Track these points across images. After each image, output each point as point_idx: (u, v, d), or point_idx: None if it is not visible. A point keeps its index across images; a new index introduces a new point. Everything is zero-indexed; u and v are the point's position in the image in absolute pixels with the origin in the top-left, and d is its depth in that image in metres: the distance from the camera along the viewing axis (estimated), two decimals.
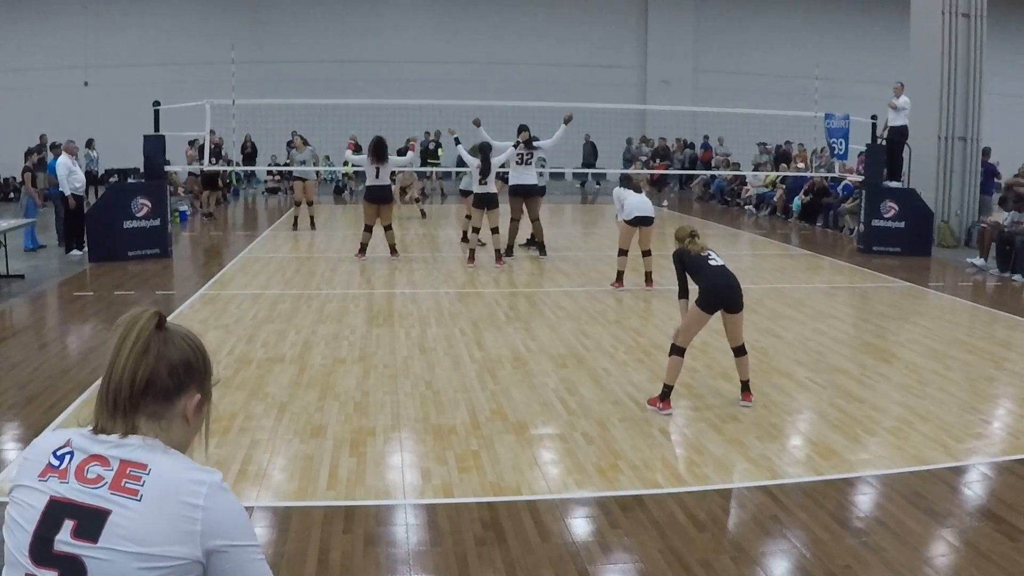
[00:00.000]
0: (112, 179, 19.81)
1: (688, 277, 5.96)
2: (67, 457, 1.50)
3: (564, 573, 3.71)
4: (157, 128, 12.61)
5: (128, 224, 12.00)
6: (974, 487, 4.70)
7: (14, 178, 20.61)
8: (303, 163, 15.72)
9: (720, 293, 5.74)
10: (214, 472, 1.50)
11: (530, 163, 12.20)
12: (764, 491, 4.54)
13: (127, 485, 1.45)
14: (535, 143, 12.20)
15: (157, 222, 12.26)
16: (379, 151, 11.82)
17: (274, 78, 22.83)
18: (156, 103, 12.66)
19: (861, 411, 5.86)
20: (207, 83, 17.77)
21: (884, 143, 14.44)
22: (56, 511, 1.45)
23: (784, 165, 20.50)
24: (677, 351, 5.80)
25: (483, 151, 11.47)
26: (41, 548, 1.45)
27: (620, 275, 10.18)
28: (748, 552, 3.90)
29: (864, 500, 4.53)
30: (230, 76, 14.24)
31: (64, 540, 1.44)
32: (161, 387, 1.54)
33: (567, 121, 12.49)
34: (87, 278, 10.79)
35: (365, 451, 5.06)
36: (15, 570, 1.47)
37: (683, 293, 5.99)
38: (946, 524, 4.18)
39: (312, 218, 15.65)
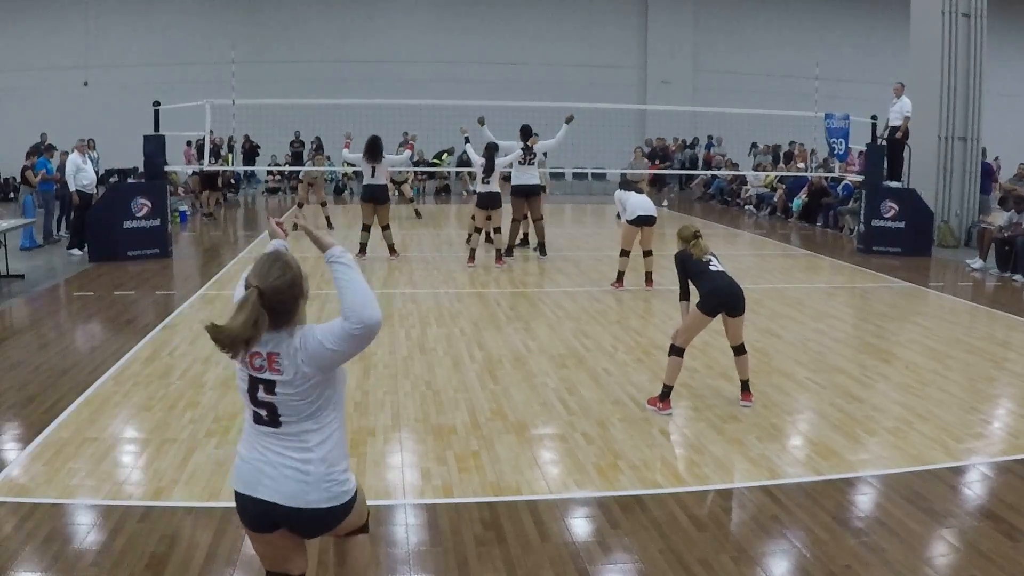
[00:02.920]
0: (112, 179, 19.80)
1: (689, 281, 5.97)
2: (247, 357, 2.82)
3: (564, 573, 3.71)
4: (157, 128, 12.61)
5: (128, 224, 12.00)
6: (974, 487, 4.70)
7: (14, 178, 20.62)
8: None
9: (722, 297, 5.75)
10: (313, 328, 2.82)
11: (533, 163, 12.21)
12: (764, 491, 4.54)
13: (275, 367, 2.75)
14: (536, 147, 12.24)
15: (157, 222, 12.26)
16: (374, 150, 11.82)
17: (274, 78, 22.81)
18: (156, 103, 12.66)
19: (861, 411, 5.86)
20: (207, 83, 17.76)
21: (884, 143, 14.44)
22: (254, 381, 2.82)
23: (782, 165, 20.50)
24: (677, 352, 5.81)
25: (488, 151, 11.48)
26: (252, 398, 2.81)
27: (621, 275, 10.18)
28: (748, 552, 3.90)
29: (864, 500, 4.53)
30: (230, 76, 14.23)
31: (261, 395, 2.78)
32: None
33: (568, 121, 12.50)
34: (87, 278, 10.79)
35: (365, 451, 5.06)
36: (247, 407, 2.85)
37: (684, 295, 6.00)
38: (946, 524, 4.18)
39: (328, 218, 15.67)
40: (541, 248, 12.55)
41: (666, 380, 5.82)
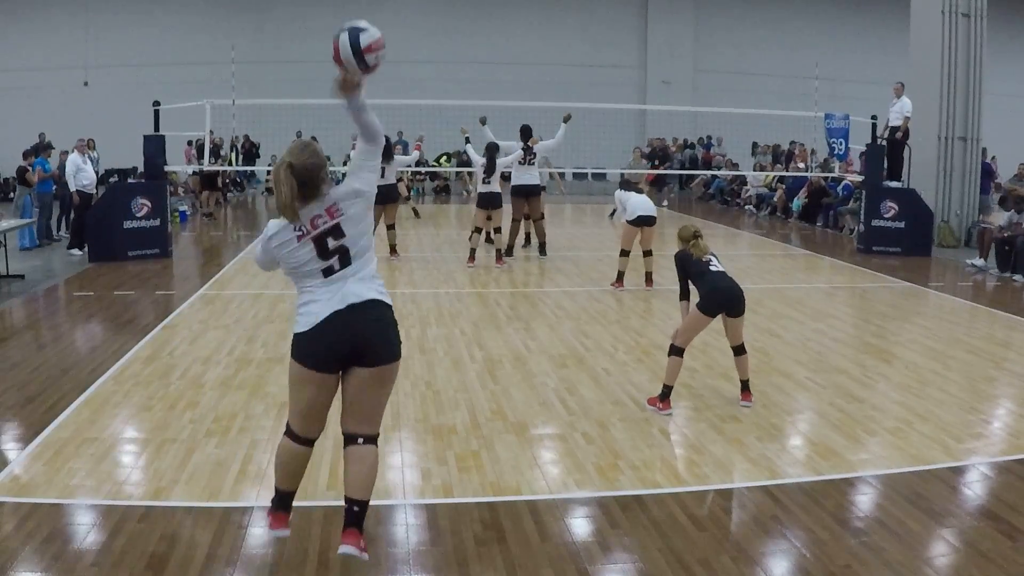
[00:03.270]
0: (112, 179, 19.80)
1: (689, 281, 5.98)
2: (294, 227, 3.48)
3: (564, 573, 3.70)
4: (157, 128, 12.61)
5: (128, 224, 12.01)
6: (974, 487, 4.70)
7: (13, 178, 20.62)
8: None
9: (722, 297, 5.75)
10: (343, 182, 3.60)
11: (533, 163, 12.22)
12: (764, 491, 4.54)
13: (335, 211, 3.48)
14: (536, 148, 12.26)
15: (157, 222, 12.26)
16: (386, 150, 11.82)
17: (274, 78, 22.81)
18: (156, 103, 12.66)
19: (861, 411, 5.86)
20: (207, 83, 17.76)
21: (884, 143, 14.44)
22: (320, 238, 3.45)
23: (779, 165, 20.50)
24: (676, 351, 5.81)
25: (489, 151, 11.49)
26: (323, 252, 3.44)
27: (620, 275, 10.19)
28: (748, 552, 3.90)
29: (864, 500, 4.53)
30: (230, 76, 14.24)
31: (331, 243, 3.44)
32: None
33: (566, 120, 12.51)
34: (87, 278, 10.79)
35: None
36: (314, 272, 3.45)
37: (684, 295, 6.00)
38: (946, 524, 4.18)
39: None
40: (541, 248, 12.56)
41: (666, 380, 5.82)
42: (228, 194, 21.64)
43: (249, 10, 25.24)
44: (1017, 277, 11.21)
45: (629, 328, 8.27)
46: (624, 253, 10.10)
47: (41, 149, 15.05)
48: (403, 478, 4.71)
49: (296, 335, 3.51)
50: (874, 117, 14.29)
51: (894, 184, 14.13)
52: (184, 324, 8.29)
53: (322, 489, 4.51)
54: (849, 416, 5.75)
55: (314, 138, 21.63)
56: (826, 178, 16.89)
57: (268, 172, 23.47)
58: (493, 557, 3.82)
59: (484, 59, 25.41)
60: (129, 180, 17.99)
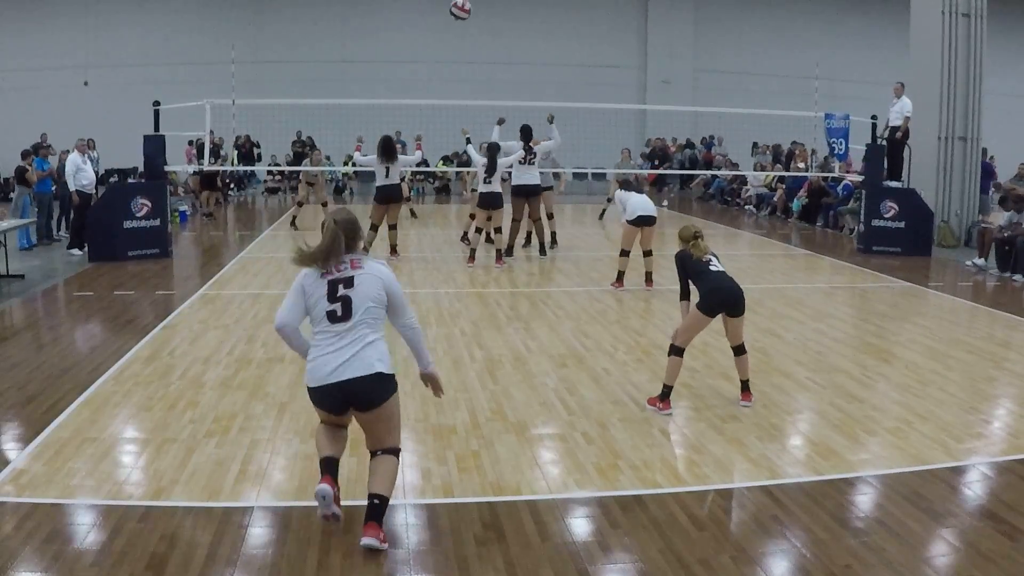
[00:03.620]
0: (112, 179, 19.81)
1: (689, 280, 5.98)
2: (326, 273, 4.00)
3: (564, 573, 3.71)
4: (157, 128, 12.61)
5: (128, 224, 12.00)
6: (974, 487, 4.70)
7: (13, 178, 20.62)
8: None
9: (722, 297, 5.76)
10: (385, 264, 4.11)
11: (533, 163, 12.20)
12: (764, 491, 4.54)
13: (356, 265, 3.98)
14: (536, 148, 12.24)
15: (157, 222, 12.26)
16: (388, 150, 11.82)
17: (274, 78, 22.82)
18: (156, 103, 12.66)
19: (861, 411, 5.87)
20: (207, 83, 17.76)
21: (884, 143, 14.44)
22: (333, 284, 3.95)
23: (779, 165, 20.49)
24: (676, 351, 5.81)
25: (491, 151, 11.48)
26: (331, 296, 3.92)
27: (621, 275, 10.19)
28: (748, 552, 3.90)
29: (864, 500, 4.53)
30: (230, 76, 14.24)
31: (340, 291, 3.90)
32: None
33: (551, 120, 12.57)
34: (87, 278, 10.79)
35: (365, 451, 5.04)
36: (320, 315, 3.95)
37: (684, 295, 6.00)
38: (946, 524, 4.19)
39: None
40: (541, 248, 12.56)
41: (666, 380, 5.82)
42: (228, 194, 21.64)
43: (249, 10, 25.24)
44: (1017, 277, 11.21)
45: (629, 328, 8.27)
46: (624, 253, 10.10)
47: (39, 149, 15.03)
48: (403, 478, 4.70)
49: (306, 383, 4.09)
50: (874, 117, 14.28)
51: (894, 184, 14.12)
52: (184, 324, 8.29)
53: None
54: (849, 416, 5.75)
55: (310, 138, 21.63)
56: (826, 178, 16.88)
57: (268, 172, 23.52)
58: (493, 557, 3.82)
59: (484, 59, 25.41)
60: (129, 180, 17.98)
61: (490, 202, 11.42)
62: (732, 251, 13.54)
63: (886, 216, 13.31)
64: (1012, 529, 4.11)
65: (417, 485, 4.61)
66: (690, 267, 5.92)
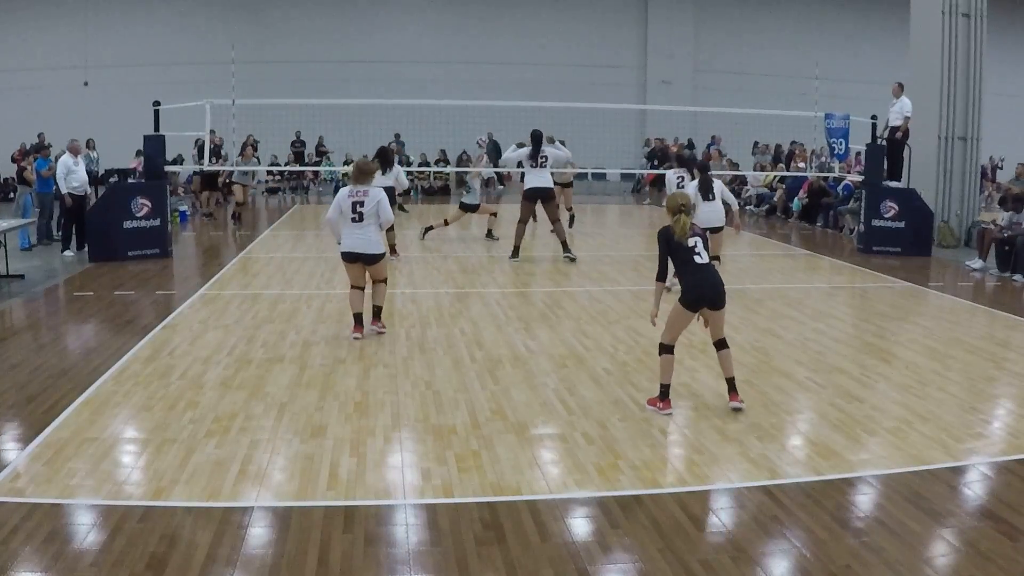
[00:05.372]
0: (112, 179, 19.80)
1: (670, 260, 5.84)
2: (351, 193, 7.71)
3: (564, 573, 3.71)
4: (157, 128, 12.61)
5: (128, 224, 12.00)
6: (974, 487, 4.70)
7: (13, 178, 20.64)
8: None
9: (704, 293, 5.69)
10: (381, 190, 7.81)
11: (544, 166, 12.14)
12: (764, 491, 4.54)
13: (366, 193, 7.65)
14: (545, 151, 12.21)
15: (157, 222, 12.26)
16: (385, 158, 11.88)
17: (274, 78, 22.82)
18: (156, 103, 12.66)
19: (861, 411, 5.86)
20: (207, 83, 17.76)
21: (884, 143, 14.44)
22: (355, 203, 7.62)
23: (781, 164, 20.49)
24: (666, 350, 5.75)
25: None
26: (354, 209, 7.59)
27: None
28: (748, 552, 3.90)
29: (864, 500, 4.53)
30: (230, 76, 14.24)
31: (357, 207, 7.59)
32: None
33: (551, 141, 12.89)
34: (87, 278, 10.79)
35: (365, 451, 5.06)
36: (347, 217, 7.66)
37: (661, 275, 5.88)
38: (946, 524, 4.19)
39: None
40: (564, 248, 12.32)
41: (661, 379, 5.78)
42: (228, 195, 21.63)
43: (249, 10, 25.25)
44: (1017, 277, 11.21)
45: (629, 328, 8.27)
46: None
47: (40, 149, 15.00)
48: (403, 478, 4.71)
49: (340, 251, 7.73)
50: (874, 117, 14.29)
51: (894, 184, 14.12)
52: (184, 324, 8.29)
53: (322, 489, 4.51)
54: (849, 416, 5.75)
55: (322, 139, 21.65)
56: (826, 178, 16.89)
57: (268, 172, 23.52)
58: (493, 557, 3.82)
59: (484, 59, 25.42)
60: (129, 180, 17.97)
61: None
62: (732, 251, 13.53)
63: (886, 216, 13.31)
64: (1012, 529, 4.11)
65: (417, 485, 4.61)
66: (674, 246, 5.74)
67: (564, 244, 12.37)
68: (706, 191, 9.56)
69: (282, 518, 4.21)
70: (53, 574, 3.64)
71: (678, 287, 5.97)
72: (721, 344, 5.82)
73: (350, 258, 7.57)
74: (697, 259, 5.72)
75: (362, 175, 7.56)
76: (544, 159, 12.09)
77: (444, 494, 4.48)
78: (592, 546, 3.95)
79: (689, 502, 4.42)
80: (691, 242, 5.73)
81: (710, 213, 9.44)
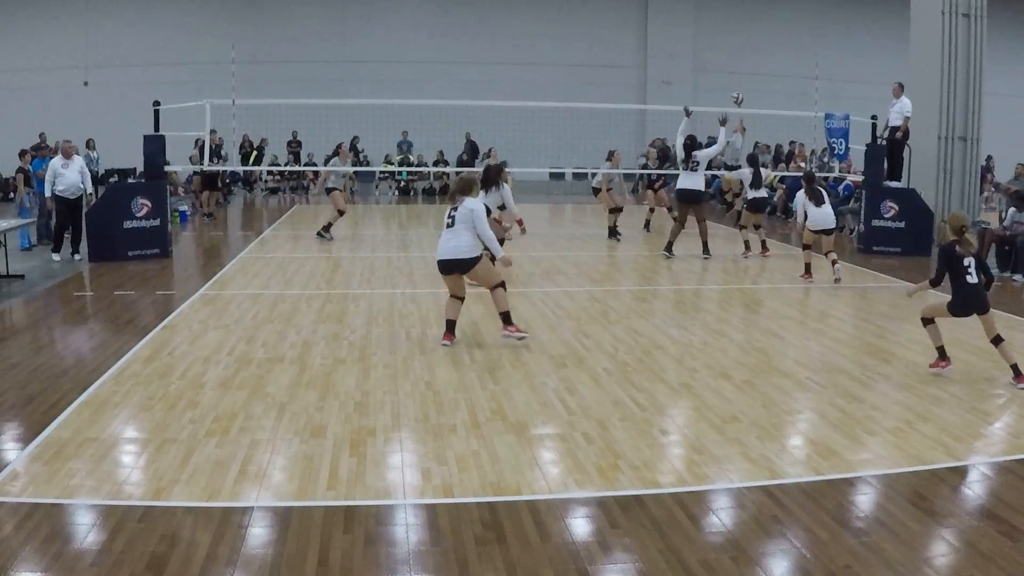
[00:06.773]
0: (112, 179, 19.82)
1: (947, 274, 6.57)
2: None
3: (564, 573, 3.71)
4: (157, 128, 12.61)
5: (128, 224, 12.01)
6: (974, 487, 4.70)
7: (13, 178, 20.65)
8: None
9: (968, 308, 6.48)
10: (479, 202, 7.59)
11: (696, 169, 12.57)
12: (764, 491, 4.54)
13: (462, 203, 7.54)
14: (696, 151, 12.72)
15: (157, 222, 12.26)
16: (487, 180, 12.04)
17: (274, 78, 22.83)
18: (156, 103, 12.66)
19: (861, 411, 5.86)
20: (207, 83, 17.78)
21: (884, 143, 14.44)
22: (451, 210, 7.59)
23: (782, 164, 20.48)
24: (928, 321, 6.68)
25: (752, 163, 13.09)
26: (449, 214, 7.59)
27: (807, 267, 10.91)
28: (748, 552, 3.90)
29: (864, 500, 4.53)
30: (230, 76, 14.25)
31: (451, 214, 7.54)
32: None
33: (723, 123, 13.27)
34: (87, 278, 10.80)
35: (365, 451, 5.06)
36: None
37: (937, 284, 6.68)
38: (946, 524, 4.18)
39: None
40: (704, 248, 12.76)
41: (934, 343, 6.68)
42: (230, 195, 21.64)
43: (249, 10, 25.25)
44: (1017, 277, 11.21)
45: (629, 328, 8.27)
46: (806, 247, 10.91)
47: (40, 149, 14.99)
48: (403, 478, 4.71)
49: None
50: (874, 117, 14.29)
51: (894, 184, 14.12)
52: (184, 324, 8.29)
53: (322, 489, 4.51)
54: (849, 416, 5.75)
55: (356, 138, 21.52)
56: (826, 178, 16.88)
57: (269, 172, 23.54)
58: (493, 557, 3.82)
59: (484, 59, 25.42)
60: (129, 180, 17.98)
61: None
62: (732, 251, 13.53)
63: (886, 216, 13.31)
64: (1012, 529, 4.11)
65: (417, 485, 4.61)
66: (954, 265, 6.46)
67: (704, 244, 12.79)
68: (818, 200, 10.72)
69: (282, 518, 4.20)
70: (53, 574, 3.64)
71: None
72: (996, 340, 6.49)
73: (443, 267, 7.44)
74: (969, 279, 6.44)
75: (459, 191, 7.54)
76: (696, 163, 12.60)
77: (444, 494, 4.48)
78: (592, 546, 3.95)
79: (689, 502, 4.41)
80: (967, 261, 6.44)
81: (825, 217, 10.72)
